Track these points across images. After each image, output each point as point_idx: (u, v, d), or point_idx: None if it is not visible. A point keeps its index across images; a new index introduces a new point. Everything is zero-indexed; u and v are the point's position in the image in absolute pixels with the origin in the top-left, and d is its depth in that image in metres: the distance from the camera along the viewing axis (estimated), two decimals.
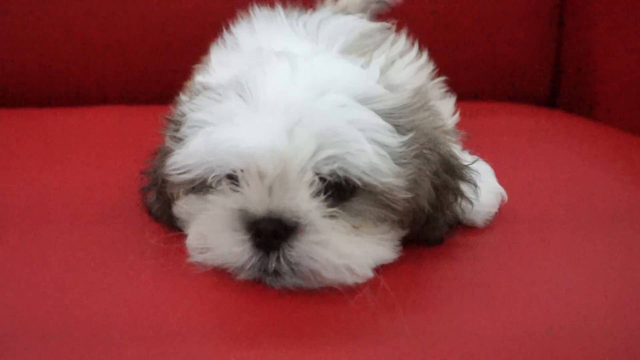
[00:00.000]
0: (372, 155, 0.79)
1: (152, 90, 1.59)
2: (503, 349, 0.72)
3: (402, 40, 1.21)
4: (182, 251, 0.85)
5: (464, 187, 0.90)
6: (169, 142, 0.89)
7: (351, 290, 0.79)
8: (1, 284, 0.81)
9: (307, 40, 1.08)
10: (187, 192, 0.88)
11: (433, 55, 1.24)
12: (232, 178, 0.82)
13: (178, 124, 0.89)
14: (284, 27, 1.13)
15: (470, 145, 1.08)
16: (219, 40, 1.18)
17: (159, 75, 1.61)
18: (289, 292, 0.79)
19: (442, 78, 1.27)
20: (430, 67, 1.22)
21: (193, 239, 0.85)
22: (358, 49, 1.05)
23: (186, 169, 0.85)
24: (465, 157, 0.96)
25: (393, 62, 1.08)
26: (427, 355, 0.71)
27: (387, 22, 1.26)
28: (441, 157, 0.88)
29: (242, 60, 1.00)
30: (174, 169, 0.86)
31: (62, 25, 1.59)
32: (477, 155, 1.00)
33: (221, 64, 1.10)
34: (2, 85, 1.60)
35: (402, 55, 1.15)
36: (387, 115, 0.83)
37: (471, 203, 0.91)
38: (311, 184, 0.79)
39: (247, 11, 1.20)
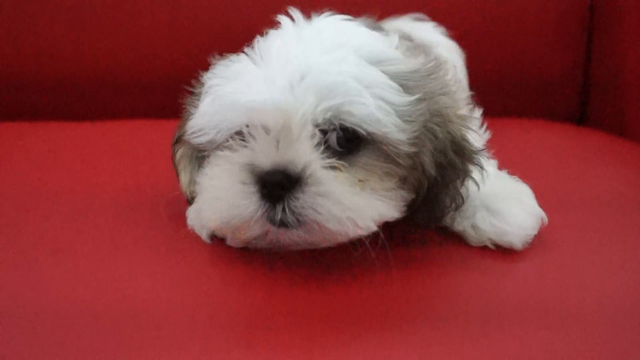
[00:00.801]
0: (374, 107, 0.81)
1: (164, 104, 1.59)
2: None
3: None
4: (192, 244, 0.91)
5: (472, 169, 0.90)
6: (191, 109, 0.93)
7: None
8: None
9: None
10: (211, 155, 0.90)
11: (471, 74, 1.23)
12: (240, 135, 0.85)
13: (198, 94, 0.93)
14: None
15: (503, 162, 1.06)
16: None
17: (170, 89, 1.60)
18: (299, 283, 0.83)
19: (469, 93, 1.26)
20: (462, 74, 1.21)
21: (205, 197, 0.87)
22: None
23: (200, 131, 0.88)
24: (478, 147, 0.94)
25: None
26: None
27: None
28: (452, 137, 0.88)
29: None
30: (191, 133, 0.90)
31: (74, 38, 1.61)
32: (517, 177, 1.02)
33: None
34: (17, 97, 1.61)
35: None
36: (395, 76, 0.85)
37: (477, 185, 0.91)
38: (312, 137, 0.81)
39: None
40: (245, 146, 0.83)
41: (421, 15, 1.50)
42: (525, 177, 1.03)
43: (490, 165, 1.00)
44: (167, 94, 1.57)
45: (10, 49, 1.59)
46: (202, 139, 0.89)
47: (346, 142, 0.83)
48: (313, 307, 0.80)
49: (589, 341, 0.76)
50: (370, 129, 0.81)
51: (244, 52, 0.90)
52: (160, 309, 0.79)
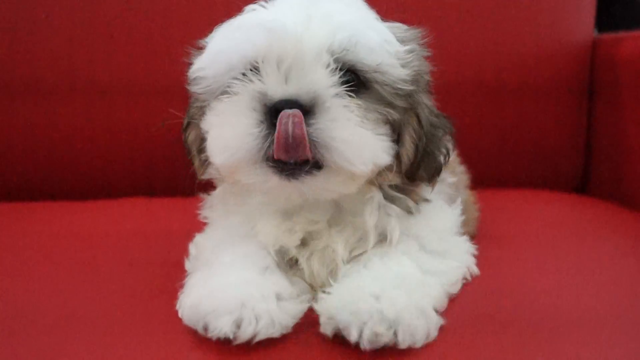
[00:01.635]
0: (382, 45, 0.86)
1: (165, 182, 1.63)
2: None
3: None
4: None
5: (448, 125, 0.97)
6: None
7: None
8: None
9: None
10: (212, 102, 0.89)
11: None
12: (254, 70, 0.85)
13: (202, 47, 0.94)
14: None
15: (505, 236, 1.06)
16: None
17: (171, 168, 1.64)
18: None
19: None
20: None
21: (213, 135, 0.87)
22: None
23: (209, 66, 0.89)
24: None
25: None
26: None
27: None
28: (427, 107, 0.94)
29: None
30: (198, 70, 0.90)
31: (75, 121, 1.63)
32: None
33: None
34: (23, 179, 1.63)
35: None
36: (391, 28, 0.92)
37: (411, 211, 0.95)
38: (327, 66, 0.83)
39: None
40: (254, 81, 0.83)
41: None
42: (531, 250, 1.03)
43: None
44: (164, 174, 1.66)
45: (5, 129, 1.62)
46: (210, 73, 0.89)
47: (352, 84, 0.85)
48: None
49: None
50: (377, 63, 0.85)
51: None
52: None
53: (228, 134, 0.83)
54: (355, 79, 0.86)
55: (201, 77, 0.91)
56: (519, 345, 0.87)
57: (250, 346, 0.83)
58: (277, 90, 0.81)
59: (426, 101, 0.95)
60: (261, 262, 0.93)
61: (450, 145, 0.98)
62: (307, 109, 0.81)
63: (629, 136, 1.62)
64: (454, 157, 1.18)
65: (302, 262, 0.96)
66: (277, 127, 0.79)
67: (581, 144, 1.76)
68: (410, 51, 0.91)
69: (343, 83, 0.85)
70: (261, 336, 0.82)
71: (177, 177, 1.50)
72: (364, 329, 0.79)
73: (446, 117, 0.99)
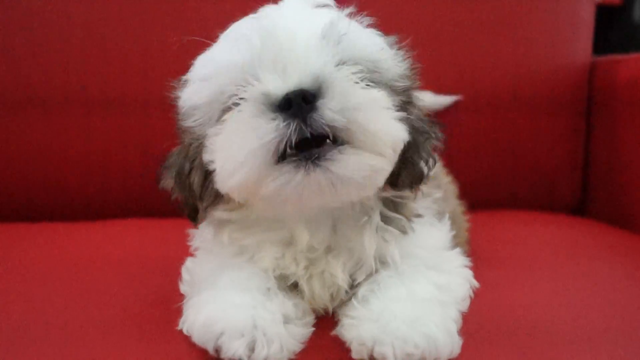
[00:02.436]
0: (375, 41, 0.88)
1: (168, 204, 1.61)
2: None
3: None
4: None
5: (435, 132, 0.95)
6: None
7: None
8: None
9: None
10: (210, 132, 0.87)
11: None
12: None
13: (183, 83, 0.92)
14: None
15: (503, 257, 1.06)
16: None
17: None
18: None
19: None
20: None
21: (221, 153, 0.84)
22: None
23: (200, 90, 0.87)
24: None
25: None
26: None
27: None
28: (417, 108, 0.94)
29: None
30: (188, 102, 0.88)
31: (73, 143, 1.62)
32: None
33: None
34: (22, 199, 1.62)
35: None
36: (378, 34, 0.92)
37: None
38: (323, 48, 0.83)
39: None
40: (253, 84, 0.82)
41: None
42: (524, 273, 1.03)
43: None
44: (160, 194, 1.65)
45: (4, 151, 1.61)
46: (202, 99, 0.87)
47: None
48: None
49: None
50: (373, 59, 0.86)
51: None
52: None
53: (241, 145, 0.81)
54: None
55: (193, 106, 0.88)
56: (525, 354, 0.90)
57: None
58: (280, 85, 0.80)
59: (417, 102, 0.95)
60: (263, 284, 0.93)
61: (435, 155, 0.96)
62: (315, 94, 0.80)
63: (626, 158, 1.63)
64: (439, 168, 1.17)
65: (303, 285, 0.96)
66: None
67: (579, 165, 1.77)
68: (397, 53, 0.92)
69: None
70: None
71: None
72: (397, 352, 0.81)
73: (436, 124, 0.97)
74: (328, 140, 0.81)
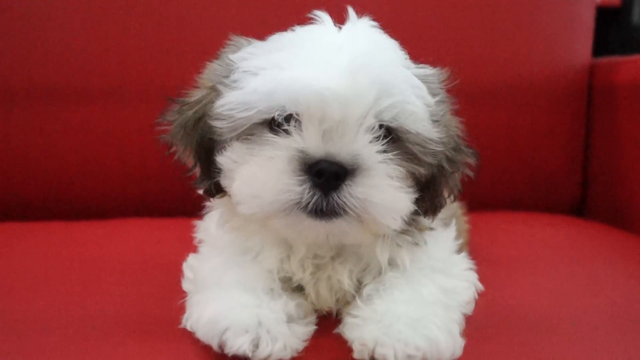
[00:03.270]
0: (421, 107, 0.87)
1: (168, 203, 1.62)
2: None
3: None
4: None
5: (466, 162, 0.98)
6: (220, 87, 0.90)
7: None
8: None
9: None
10: (233, 140, 0.88)
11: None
12: (287, 121, 0.84)
13: (228, 71, 0.90)
14: None
15: (504, 257, 1.07)
16: None
17: (178, 187, 1.62)
18: None
19: None
20: None
21: (243, 183, 0.86)
22: None
23: (245, 106, 0.85)
24: None
25: None
26: None
27: None
28: (454, 135, 0.96)
29: None
30: (228, 109, 0.86)
31: (78, 138, 1.62)
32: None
33: None
34: (22, 198, 1.62)
35: None
36: (422, 78, 0.90)
37: (418, 243, 0.96)
38: (371, 130, 0.84)
39: None
40: (295, 133, 0.83)
41: None
42: (524, 273, 1.03)
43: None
44: (158, 194, 1.65)
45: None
46: (243, 115, 0.86)
47: (385, 141, 0.86)
48: None
49: None
50: (414, 127, 0.86)
51: (281, 41, 0.89)
52: None
53: (264, 186, 0.83)
54: (387, 134, 0.87)
55: (228, 115, 0.88)
56: (525, 354, 0.91)
57: None
58: (319, 149, 0.82)
59: (453, 132, 0.96)
60: (267, 284, 0.94)
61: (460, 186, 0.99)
62: (348, 169, 0.82)
63: (626, 159, 1.64)
64: None
65: (310, 289, 0.97)
66: None
67: (578, 167, 1.77)
68: (440, 102, 0.92)
69: (376, 138, 0.85)
70: (274, 358, 0.85)
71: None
72: (399, 353, 0.82)
73: (470, 151, 0.99)
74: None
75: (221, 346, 0.85)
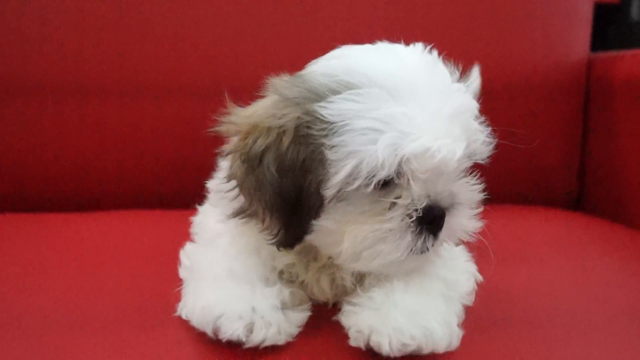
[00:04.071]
0: (485, 141, 0.93)
1: (165, 195, 1.63)
2: None
3: None
4: None
5: None
6: (325, 152, 0.84)
7: None
8: None
9: None
10: (334, 201, 0.86)
11: None
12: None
13: (331, 131, 0.84)
14: None
15: (500, 251, 1.07)
16: None
17: (173, 180, 1.64)
18: None
19: None
20: None
21: (356, 243, 0.87)
22: None
23: (373, 175, 0.83)
24: None
25: None
26: None
27: None
28: None
29: None
30: (343, 178, 0.84)
31: (73, 129, 1.61)
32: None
33: None
34: (20, 190, 1.61)
35: None
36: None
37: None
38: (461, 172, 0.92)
39: None
40: (396, 188, 0.87)
41: None
42: (529, 269, 1.05)
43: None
44: (155, 185, 1.65)
45: None
46: (358, 183, 0.84)
47: None
48: None
49: None
50: (484, 152, 0.94)
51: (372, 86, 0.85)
52: None
53: (385, 245, 0.87)
54: None
55: (340, 182, 0.85)
56: (522, 346, 0.92)
57: (255, 352, 0.86)
58: (429, 200, 0.87)
59: None
60: (263, 274, 0.95)
61: None
62: (448, 211, 0.89)
63: (623, 154, 1.64)
64: None
65: (312, 285, 0.98)
66: None
67: (576, 160, 1.77)
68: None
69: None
70: (268, 342, 0.86)
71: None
72: (393, 342, 0.83)
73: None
74: None
75: (215, 332, 0.86)
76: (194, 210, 1.12)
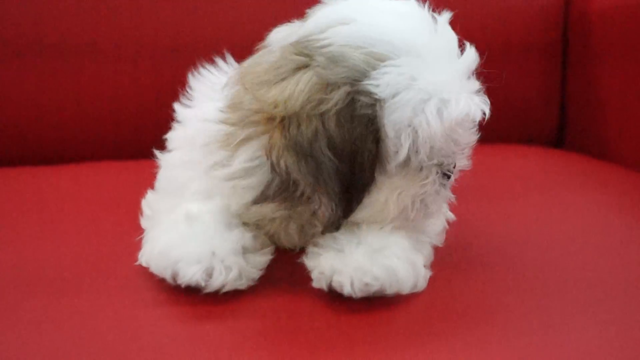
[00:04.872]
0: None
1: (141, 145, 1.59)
2: None
3: None
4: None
5: None
6: (381, 129, 0.83)
7: None
8: None
9: None
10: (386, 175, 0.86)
11: None
12: None
13: (382, 107, 0.82)
14: None
15: (484, 190, 1.08)
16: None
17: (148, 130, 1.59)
18: None
19: None
20: None
21: (404, 209, 0.89)
22: None
23: (431, 146, 0.85)
24: None
25: None
26: None
27: None
28: None
29: None
30: (413, 151, 0.84)
31: (52, 84, 1.58)
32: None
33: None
34: None
35: None
36: None
37: None
38: None
39: None
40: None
41: None
42: (506, 206, 1.06)
43: None
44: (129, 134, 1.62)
45: None
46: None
47: None
48: None
49: None
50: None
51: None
52: None
53: (429, 206, 0.91)
54: None
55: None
56: (497, 286, 0.91)
57: (217, 298, 0.85)
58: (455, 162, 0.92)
59: None
60: (225, 218, 0.91)
61: None
62: None
63: (603, 89, 1.62)
64: None
65: (279, 231, 0.95)
66: None
67: (556, 97, 1.75)
68: None
69: None
70: (229, 287, 0.85)
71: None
72: (355, 282, 0.82)
73: None
74: None
75: (174, 277, 0.84)
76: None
